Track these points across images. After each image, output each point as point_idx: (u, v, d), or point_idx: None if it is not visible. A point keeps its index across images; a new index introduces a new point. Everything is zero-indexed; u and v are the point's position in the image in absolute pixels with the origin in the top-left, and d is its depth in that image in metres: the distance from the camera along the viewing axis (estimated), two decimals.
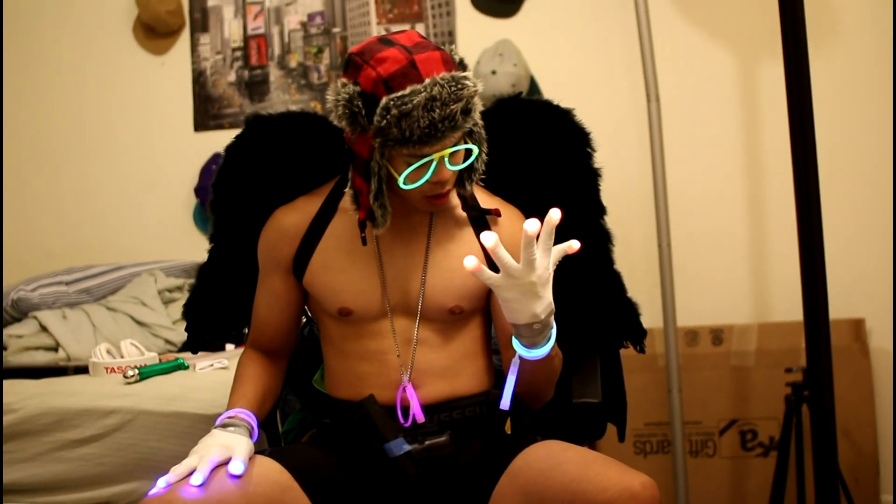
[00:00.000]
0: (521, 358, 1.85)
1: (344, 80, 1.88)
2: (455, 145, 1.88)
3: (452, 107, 1.81)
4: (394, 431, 1.96)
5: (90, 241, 4.33)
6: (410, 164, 1.86)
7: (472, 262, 1.70)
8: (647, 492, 1.72)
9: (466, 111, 1.85)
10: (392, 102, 1.79)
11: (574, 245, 1.73)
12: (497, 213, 2.06)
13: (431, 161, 1.86)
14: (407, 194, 1.94)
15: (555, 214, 1.69)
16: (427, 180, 1.88)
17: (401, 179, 1.87)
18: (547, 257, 1.73)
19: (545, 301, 1.77)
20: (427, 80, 1.80)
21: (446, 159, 1.88)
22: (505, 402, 1.85)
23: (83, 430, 2.53)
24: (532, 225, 1.67)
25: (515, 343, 1.85)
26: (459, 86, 1.82)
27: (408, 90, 1.79)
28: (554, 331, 1.86)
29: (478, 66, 3.85)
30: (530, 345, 1.83)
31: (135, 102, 4.36)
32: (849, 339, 3.61)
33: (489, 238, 1.68)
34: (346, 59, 1.91)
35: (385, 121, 1.80)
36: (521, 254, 1.71)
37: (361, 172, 1.91)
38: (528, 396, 2.06)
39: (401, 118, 1.79)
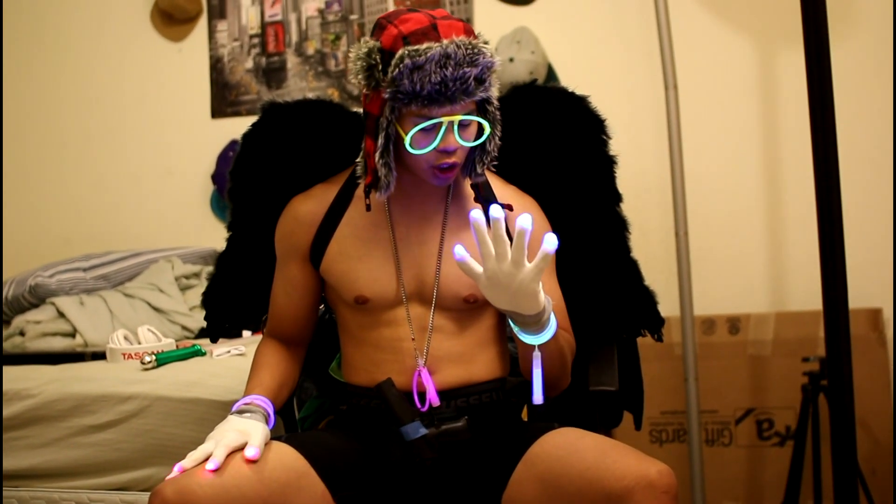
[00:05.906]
0: (540, 351, 1.85)
1: (367, 39, 1.90)
2: (467, 116, 1.88)
3: (466, 69, 1.82)
4: (410, 415, 1.96)
5: (107, 229, 4.35)
6: (418, 125, 1.86)
7: (460, 251, 1.72)
8: (664, 479, 1.72)
9: (481, 80, 1.85)
10: (407, 53, 1.81)
11: (550, 246, 1.70)
12: (509, 208, 2.04)
13: (440, 125, 1.86)
14: (413, 162, 1.93)
15: (525, 222, 1.69)
16: (434, 147, 1.88)
17: (407, 139, 1.87)
18: (522, 262, 1.72)
19: (525, 303, 1.78)
20: (445, 40, 1.81)
21: (455, 128, 1.88)
22: (537, 397, 1.84)
23: (100, 415, 2.54)
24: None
25: (510, 322, 1.87)
26: (476, 51, 1.83)
27: (424, 45, 1.81)
28: (552, 322, 1.86)
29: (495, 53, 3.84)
30: (523, 330, 1.85)
31: (152, 89, 4.38)
32: (866, 328, 3.59)
33: (477, 216, 1.70)
34: (373, 24, 1.93)
35: (398, 70, 1.81)
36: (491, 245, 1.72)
37: (371, 132, 1.92)
38: (546, 385, 2.05)
39: (413, 69, 1.80)
